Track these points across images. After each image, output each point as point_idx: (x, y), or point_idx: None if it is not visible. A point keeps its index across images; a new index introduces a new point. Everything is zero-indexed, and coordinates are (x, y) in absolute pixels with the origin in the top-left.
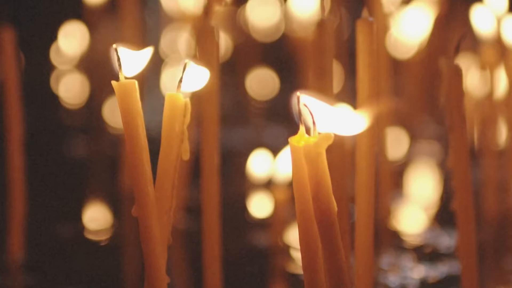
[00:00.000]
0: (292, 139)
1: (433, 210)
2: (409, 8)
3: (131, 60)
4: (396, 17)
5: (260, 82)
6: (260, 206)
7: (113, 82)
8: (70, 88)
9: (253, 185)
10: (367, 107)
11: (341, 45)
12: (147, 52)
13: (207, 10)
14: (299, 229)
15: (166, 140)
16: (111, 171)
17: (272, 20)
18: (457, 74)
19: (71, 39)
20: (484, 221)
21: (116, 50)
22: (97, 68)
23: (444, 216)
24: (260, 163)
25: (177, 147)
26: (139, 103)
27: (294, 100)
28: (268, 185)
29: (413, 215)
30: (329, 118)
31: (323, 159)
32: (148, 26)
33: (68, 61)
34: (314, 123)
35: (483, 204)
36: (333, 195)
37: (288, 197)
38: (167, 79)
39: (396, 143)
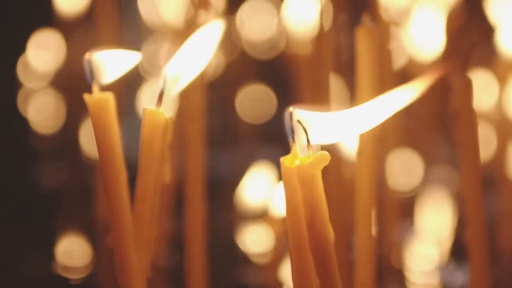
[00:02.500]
0: (284, 160)
1: (445, 244)
2: (420, 15)
3: (110, 65)
4: (404, 25)
5: (252, 100)
6: (251, 239)
7: (86, 96)
8: (42, 109)
9: (244, 215)
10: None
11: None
12: (131, 56)
13: (191, 20)
14: (291, 261)
15: (145, 161)
16: (86, 200)
17: (266, 32)
18: (467, 88)
19: (43, 51)
20: (500, 256)
21: (89, 59)
22: (74, 85)
23: (457, 251)
24: (252, 190)
25: (156, 170)
26: (115, 119)
27: (286, 116)
28: (261, 215)
29: (421, 250)
30: (325, 127)
31: (318, 181)
32: (127, 38)
33: (39, 78)
34: (308, 141)
35: (498, 237)
36: (330, 223)
37: (284, 229)
38: (148, 95)
39: (403, 167)
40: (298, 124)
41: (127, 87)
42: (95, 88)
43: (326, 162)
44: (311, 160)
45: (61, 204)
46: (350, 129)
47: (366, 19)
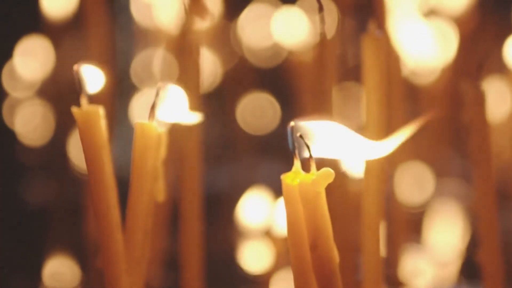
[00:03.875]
0: (286, 177)
1: (456, 263)
2: (430, 22)
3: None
4: (413, 32)
5: (253, 111)
6: (251, 259)
7: (74, 109)
8: (29, 120)
9: (243, 234)
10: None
11: (348, 65)
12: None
13: (187, 26)
14: (294, 284)
15: (137, 178)
16: (75, 218)
17: (268, 39)
18: (480, 98)
19: (30, 58)
20: None
21: (78, 70)
22: (63, 95)
23: (469, 270)
24: (252, 207)
25: (149, 186)
26: (105, 134)
27: (288, 130)
28: (262, 234)
29: (432, 269)
30: (329, 142)
31: (322, 200)
32: (119, 45)
33: (26, 87)
34: (311, 157)
35: None
36: (334, 243)
37: (286, 248)
38: (141, 107)
39: (413, 181)
40: (300, 139)
41: (119, 97)
42: (84, 101)
43: (330, 180)
44: (314, 178)
45: (48, 222)
46: (354, 152)
47: (372, 25)
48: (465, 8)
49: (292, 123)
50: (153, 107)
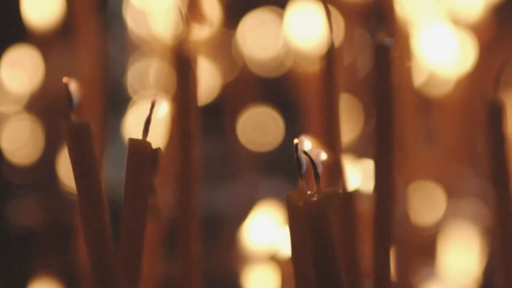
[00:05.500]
0: (290, 196)
1: None
2: (445, 30)
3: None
4: (426, 42)
5: (256, 125)
6: (254, 283)
7: (63, 124)
8: (16, 137)
9: (246, 257)
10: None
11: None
12: None
13: (184, 34)
14: None
15: (130, 198)
16: (64, 241)
17: (271, 48)
18: (498, 111)
19: (17, 70)
20: None
21: (67, 84)
22: (52, 109)
23: None
24: (255, 229)
25: (143, 208)
26: (95, 152)
27: (294, 147)
28: (265, 257)
29: None
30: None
31: (328, 221)
32: (111, 55)
33: (13, 100)
34: (317, 176)
35: None
36: (342, 267)
37: (291, 272)
38: (135, 118)
39: (427, 202)
40: (305, 156)
41: (112, 109)
42: (74, 116)
43: (338, 200)
44: (320, 198)
45: (35, 245)
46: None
47: (383, 34)
48: (482, 16)
49: (297, 140)
50: (147, 122)
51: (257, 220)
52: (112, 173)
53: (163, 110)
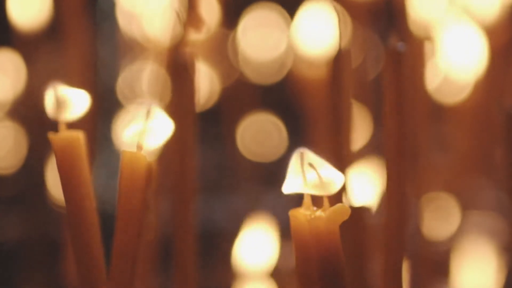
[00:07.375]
0: (294, 212)
1: None
2: (458, 34)
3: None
4: (439, 47)
5: (256, 135)
6: None
7: (50, 135)
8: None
9: (243, 274)
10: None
11: (366, 81)
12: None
13: (180, 37)
14: None
15: (123, 213)
16: (52, 257)
17: (272, 51)
18: None
19: (0, 75)
20: None
21: (52, 90)
22: (37, 116)
23: None
24: (253, 244)
25: (137, 223)
26: (85, 162)
27: (296, 159)
28: (265, 274)
29: None
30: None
31: (336, 239)
32: (102, 58)
33: None
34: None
35: None
36: (350, 286)
37: None
38: (127, 131)
39: (441, 215)
40: (310, 169)
41: (103, 118)
42: (62, 124)
43: (346, 217)
44: (328, 214)
45: (21, 261)
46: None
47: (394, 38)
48: (499, 19)
49: (300, 150)
50: (141, 134)
51: (254, 234)
52: (104, 186)
53: (159, 120)
